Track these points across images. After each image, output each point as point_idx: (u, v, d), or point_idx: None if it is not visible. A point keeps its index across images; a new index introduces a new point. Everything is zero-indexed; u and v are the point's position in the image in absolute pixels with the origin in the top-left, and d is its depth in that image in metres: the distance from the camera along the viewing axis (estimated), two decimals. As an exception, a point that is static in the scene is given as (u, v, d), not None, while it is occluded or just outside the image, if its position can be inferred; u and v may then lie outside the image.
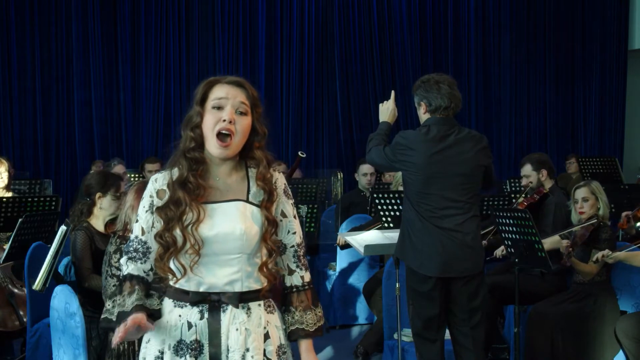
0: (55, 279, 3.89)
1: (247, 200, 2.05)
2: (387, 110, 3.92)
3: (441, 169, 3.49)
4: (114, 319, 2.04)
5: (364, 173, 6.58)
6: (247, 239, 2.01)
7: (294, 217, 2.14)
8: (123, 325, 1.92)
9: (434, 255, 3.48)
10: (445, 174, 3.49)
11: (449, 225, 3.48)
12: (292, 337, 2.11)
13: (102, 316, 2.09)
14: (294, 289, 2.12)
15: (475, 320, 3.58)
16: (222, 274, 2.02)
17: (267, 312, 2.10)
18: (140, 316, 1.96)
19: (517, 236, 3.99)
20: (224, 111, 2.02)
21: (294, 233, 2.13)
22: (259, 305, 2.08)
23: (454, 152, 3.52)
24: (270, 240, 2.05)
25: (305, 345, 2.11)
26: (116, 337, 1.93)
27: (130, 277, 2.07)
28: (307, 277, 2.15)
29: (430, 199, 3.49)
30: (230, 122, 2.00)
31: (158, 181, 2.08)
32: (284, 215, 2.11)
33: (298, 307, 2.11)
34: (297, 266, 2.13)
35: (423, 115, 3.65)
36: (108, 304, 2.09)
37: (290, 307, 2.12)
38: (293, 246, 2.13)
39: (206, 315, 2.03)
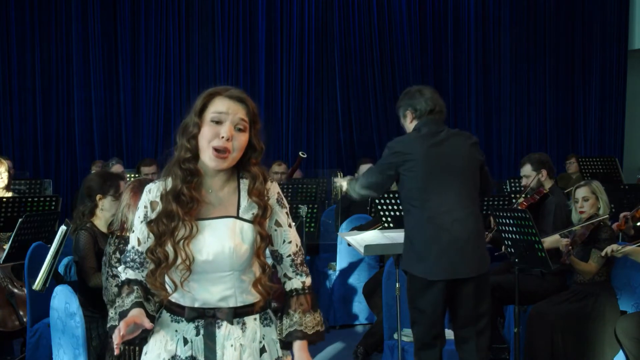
0: (55, 279, 3.89)
1: (237, 217, 2.03)
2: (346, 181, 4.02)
3: (440, 162, 3.49)
4: (117, 322, 2.00)
5: (364, 173, 6.57)
6: (237, 256, 1.99)
7: (289, 225, 2.12)
8: (117, 331, 1.90)
9: (440, 258, 3.43)
10: (444, 167, 3.49)
11: (453, 224, 3.45)
12: (289, 338, 2.07)
13: (108, 325, 2.08)
14: (294, 293, 2.10)
15: (482, 325, 3.54)
16: (215, 290, 2.01)
17: (264, 325, 2.09)
18: (134, 316, 1.95)
19: (517, 236, 3.98)
20: (222, 127, 1.98)
21: (290, 242, 2.10)
22: (255, 319, 2.08)
23: (449, 145, 3.54)
24: (263, 256, 2.04)
25: (299, 345, 2.06)
26: (115, 342, 1.90)
27: (129, 282, 2.06)
28: (308, 282, 2.13)
29: (432, 197, 3.47)
30: (228, 139, 1.98)
31: (152, 192, 2.06)
32: (278, 224, 2.09)
33: (297, 309, 2.07)
34: (297, 273, 2.11)
35: (409, 124, 3.68)
36: (111, 312, 2.07)
37: (289, 310, 2.08)
38: (289, 255, 2.10)
39: (202, 331, 2.03)
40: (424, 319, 3.54)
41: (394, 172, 3.56)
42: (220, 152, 1.98)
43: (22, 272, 4.28)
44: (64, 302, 3.24)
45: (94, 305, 3.64)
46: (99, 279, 3.66)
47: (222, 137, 1.97)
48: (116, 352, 1.91)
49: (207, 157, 1.99)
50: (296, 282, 2.11)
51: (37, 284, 3.71)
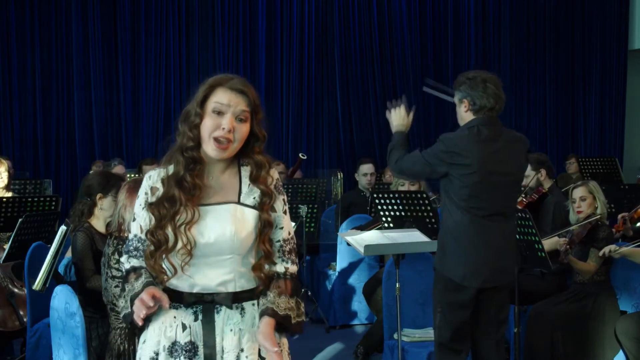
0: (55, 279, 3.89)
1: (238, 202, 2.05)
2: (401, 119, 3.62)
3: (495, 171, 3.32)
4: (129, 308, 2.00)
5: (364, 173, 6.58)
6: (238, 240, 2.01)
7: (284, 212, 2.13)
8: (139, 302, 1.89)
9: (481, 265, 3.31)
10: (499, 176, 3.33)
11: (500, 232, 3.35)
12: (261, 314, 2.04)
13: (121, 315, 2.08)
14: (275, 275, 2.09)
15: (501, 333, 3.48)
16: (215, 274, 2.02)
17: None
18: (153, 288, 1.95)
19: (517, 236, 3.98)
20: (224, 118, 2.01)
21: (282, 228, 2.11)
22: (253, 304, 2.08)
23: (507, 153, 3.38)
24: (267, 243, 2.05)
25: (266, 319, 2.01)
26: (142, 313, 1.89)
27: (134, 269, 2.06)
28: (292, 269, 2.11)
29: (481, 202, 3.31)
30: (229, 131, 2.00)
31: (152, 178, 2.08)
32: (273, 210, 2.10)
33: (273, 289, 2.06)
34: (282, 260, 2.10)
35: (464, 113, 3.45)
36: (121, 302, 2.07)
37: (266, 290, 2.07)
38: (279, 241, 2.11)
39: (200, 316, 2.04)
40: (451, 324, 3.42)
41: (444, 169, 3.36)
42: (221, 142, 2.00)
43: (22, 272, 4.28)
44: (64, 302, 3.24)
45: (94, 306, 3.64)
46: (96, 282, 3.66)
47: (224, 129, 2.00)
48: (140, 323, 1.92)
49: (209, 148, 2.02)
50: (280, 267, 2.10)
51: (37, 284, 3.71)
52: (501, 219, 3.37)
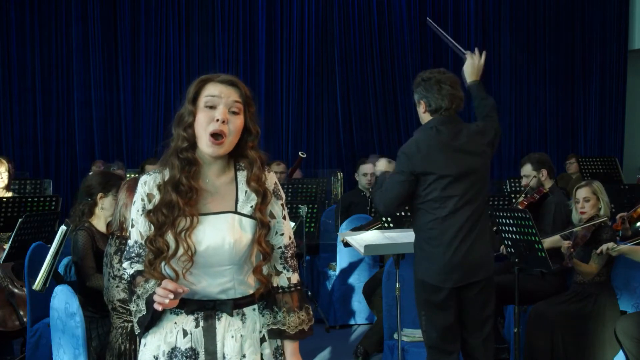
0: (55, 279, 3.89)
1: (235, 211, 2.03)
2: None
3: (461, 167, 3.32)
4: (145, 310, 1.99)
5: (364, 173, 6.58)
6: (236, 251, 2.00)
7: (283, 218, 2.11)
8: (163, 291, 1.86)
9: (453, 263, 3.31)
10: (464, 171, 3.33)
11: (469, 228, 3.33)
12: (271, 335, 2.09)
13: (135, 320, 2.05)
14: (280, 290, 2.10)
15: (487, 330, 3.46)
16: (215, 283, 2.02)
17: (262, 315, 2.10)
18: (169, 280, 1.92)
19: (517, 236, 3.98)
20: (216, 110, 1.98)
21: (282, 234, 2.10)
22: (254, 309, 2.08)
23: (470, 145, 3.38)
24: (264, 243, 2.04)
25: (290, 349, 2.11)
26: (162, 303, 1.86)
27: (139, 272, 2.04)
28: (295, 278, 2.12)
29: (448, 201, 3.30)
30: (223, 122, 1.98)
31: (147, 184, 2.05)
32: (272, 216, 2.08)
33: (282, 307, 2.08)
34: (284, 267, 2.11)
35: (423, 114, 3.49)
36: (132, 306, 2.05)
37: (274, 306, 2.09)
38: (280, 247, 2.10)
39: (201, 323, 2.03)
40: (435, 326, 3.42)
41: (414, 177, 3.33)
42: (216, 138, 1.98)
43: (22, 272, 4.28)
44: (64, 302, 3.24)
45: (94, 306, 3.64)
46: (97, 281, 3.66)
47: (217, 120, 1.97)
48: (160, 308, 1.88)
49: (204, 144, 1.99)
50: (282, 279, 2.10)
51: (37, 284, 3.71)
52: (468, 208, 3.33)
